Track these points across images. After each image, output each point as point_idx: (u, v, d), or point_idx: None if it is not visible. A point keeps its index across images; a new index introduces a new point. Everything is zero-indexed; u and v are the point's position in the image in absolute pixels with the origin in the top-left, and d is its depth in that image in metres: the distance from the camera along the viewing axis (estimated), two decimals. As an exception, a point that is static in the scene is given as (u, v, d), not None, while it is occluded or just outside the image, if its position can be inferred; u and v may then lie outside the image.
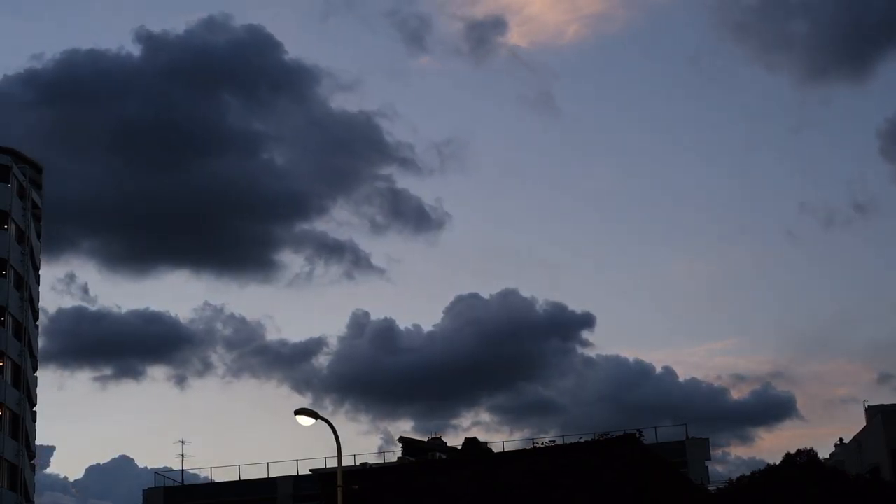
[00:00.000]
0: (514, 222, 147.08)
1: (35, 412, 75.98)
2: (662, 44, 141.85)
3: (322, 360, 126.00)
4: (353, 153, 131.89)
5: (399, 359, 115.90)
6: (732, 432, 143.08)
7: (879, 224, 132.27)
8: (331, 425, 30.48)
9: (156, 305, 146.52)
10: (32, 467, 74.72)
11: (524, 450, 44.62)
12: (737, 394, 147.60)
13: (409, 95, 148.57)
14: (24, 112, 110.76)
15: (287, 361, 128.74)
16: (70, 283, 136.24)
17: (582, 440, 43.36)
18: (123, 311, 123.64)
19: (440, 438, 63.14)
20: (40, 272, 78.93)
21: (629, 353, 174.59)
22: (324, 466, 65.16)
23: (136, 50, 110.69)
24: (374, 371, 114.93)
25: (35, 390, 75.80)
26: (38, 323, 77.53)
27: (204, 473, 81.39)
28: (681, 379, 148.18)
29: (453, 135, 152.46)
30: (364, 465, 59.62)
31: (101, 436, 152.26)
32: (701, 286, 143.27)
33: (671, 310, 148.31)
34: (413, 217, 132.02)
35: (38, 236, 78.44)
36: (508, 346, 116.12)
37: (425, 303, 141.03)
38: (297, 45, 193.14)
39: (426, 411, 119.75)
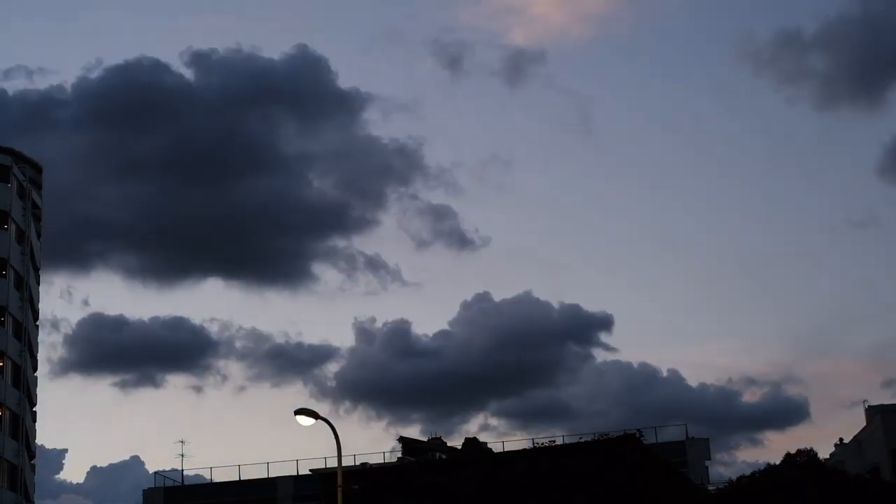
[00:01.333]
0: (551, 239, 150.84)
1: (35, 412, 75.99)
2: (687, 72, 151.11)
3: (338, 367, 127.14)
4: (395, 174, 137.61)
5: (416, 364, 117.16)
6: (743, 435, 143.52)
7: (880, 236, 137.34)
8: (331, 425, 30.47)
9: (190, 315, 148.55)
10: (32, 467, 74.72)
11: (524, 450, 44.63)
12: (749, 396, 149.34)
13: (450, 119, 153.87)
14: (74, 126, 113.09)
15: (307, 367, 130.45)
16: (108, 295, 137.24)
17: (582, 440, 43.38)
18: (149, 319, 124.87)
19: (440, 438, 63.06)
20: (40, 271, 79.01)
21: (639, 357, 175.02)
22: (324, 466, 65.14)
23: (187, 70, 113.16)
24: (387, 376, 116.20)
25: (35, 390, 75.81)
26: (38, 323, 77.54)
27: (204, 473, 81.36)
28: (694, 381, 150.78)
29: (491, 156, 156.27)
30: (364, 465, 59.54)
31: (115, 440, 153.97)
32: (717, 290, 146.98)
33: (687, 313, 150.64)
34: (453, 235, 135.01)
35: (38, 236, 78.44)
36: (530, 349, 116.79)
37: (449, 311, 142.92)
38: (346, 70, 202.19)
39: (444, 415, 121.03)
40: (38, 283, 78.20)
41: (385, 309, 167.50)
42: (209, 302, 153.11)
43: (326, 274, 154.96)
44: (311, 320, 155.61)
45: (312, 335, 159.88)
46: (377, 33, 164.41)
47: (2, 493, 66.81)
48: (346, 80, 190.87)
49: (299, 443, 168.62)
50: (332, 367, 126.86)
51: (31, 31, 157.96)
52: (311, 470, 65.21)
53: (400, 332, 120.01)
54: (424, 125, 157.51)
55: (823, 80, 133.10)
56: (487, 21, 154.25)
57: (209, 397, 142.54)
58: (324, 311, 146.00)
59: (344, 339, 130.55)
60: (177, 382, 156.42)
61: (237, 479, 76.39)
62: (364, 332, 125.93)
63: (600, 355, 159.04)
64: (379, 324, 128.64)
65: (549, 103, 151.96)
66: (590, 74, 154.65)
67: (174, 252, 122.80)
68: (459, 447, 59.80)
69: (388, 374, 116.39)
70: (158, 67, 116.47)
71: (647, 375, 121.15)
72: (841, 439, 76.08)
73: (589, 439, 43.20)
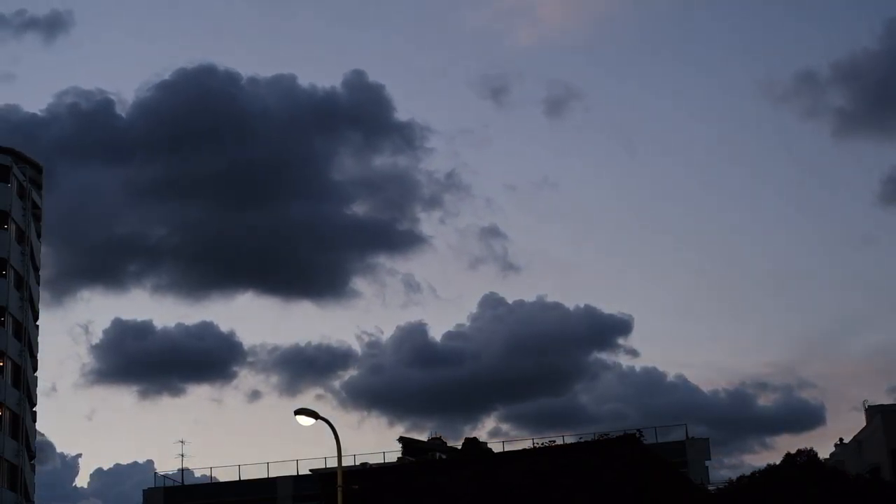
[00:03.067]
0: (586, 264, 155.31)
1: (35, 412, 75.99)
2: (713, 107, 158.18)
3: (357, 374, 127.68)
4: (439, 199, 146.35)
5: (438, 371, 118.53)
6: (757, 438, 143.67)
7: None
8: (331, 425, 30.45)
9: (220, 324, 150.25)
10: (32, 467, 74.72)
11: (524, 450, 44.60)
12: (763, 400, 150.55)
13: (493, 148, 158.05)
14: (132, 142, 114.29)
15: (325, 376, 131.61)
16: (140, 308, 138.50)
17: (582, 440, 43.38)
18: (175, 326, 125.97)
19: (440, 438, 63.03)
20: (39, 270, 79.04)
21: (654, 361, 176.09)
22: (324, 466, 65.13)
23: (240, 94, 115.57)
24: (406, 382, 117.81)
25: (35, 390, 75.80)
26: (38, 323, 77.53)
27: (205, 473, 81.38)
28: (709, 385, 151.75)
29: (532, 181, 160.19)
30: (364, 465, 59.53)
31: (130, 447, 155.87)
32: (735, 296, 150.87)
33: (700, 317, 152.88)
34: (498, 258, 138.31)
35: (38, 236, 78.44)
36: (545, 353, 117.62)
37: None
38: (402, 101, 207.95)
39: (457, 419, 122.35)
40: (38, 283, 78.18)
41: (407, 317, 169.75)
42: (239, 313, 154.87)
43: (361, 289, 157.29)
44: (337, 332, 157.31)
45: (336, 344, 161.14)
46: (425, 63, 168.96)
47: (2, 493, 66.80)
48: (400, 108, 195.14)
49: (301, 444, 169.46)
50: (355, 376, 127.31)
51: (90, 50, 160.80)
52: (311, 470, 65.23)
53: (416, 336, 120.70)
54: (467, 152, 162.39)
55: (837, 112, 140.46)
56: (530, 53, 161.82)
57: (229, 405, 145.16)
58: (350, 323, 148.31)
59: (364, 346, 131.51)
60: (199, 391, 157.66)
61: (237, 479, 76.45)
62: (382, 339, 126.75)
63: (616, 359, 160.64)
64: (396, 331, 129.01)
65: (590, 131, 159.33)
66: (627, 107, 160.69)
67: (212, 268, 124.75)
68: (459, 447, 59.80)
69: (405, 380, 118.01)
70: (210, 90, 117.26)
71: (660, 379, 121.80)
72: (841, 439, 76.07)
73: (589, 439, 43.22)
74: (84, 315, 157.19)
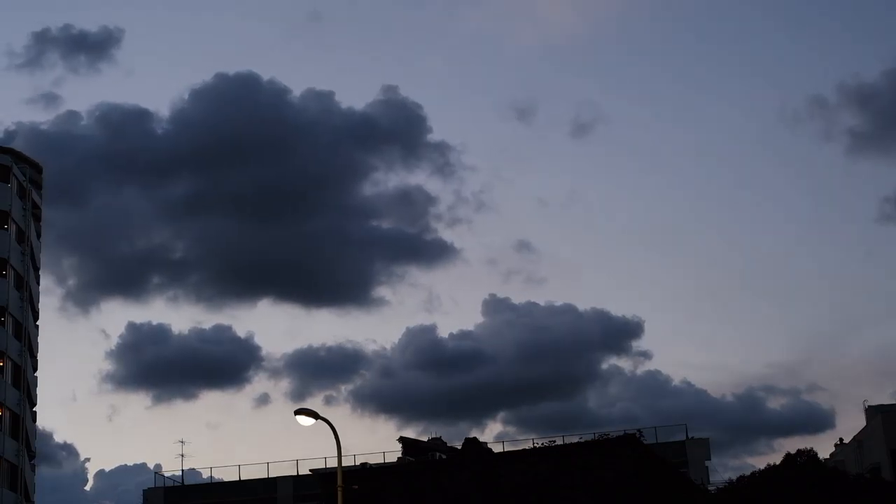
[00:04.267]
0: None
1: (35, 412, 75.97)
2: (732, 129, 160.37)
3: (377, 379, 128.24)
4: (473, 219, 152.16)
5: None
6: (766, 442, 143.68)
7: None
8: (330, 425, 30.44)
9: (238, 330, 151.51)
10: (32, 467, 74.69)
11: (524, 450, 44.61)
12: (773, 403, 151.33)
13: (521, 166, 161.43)
14: (176, 155, 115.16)
15: (336, 381, 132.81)
16: (161, 315, 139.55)
17: (582, 440, 43.34)
18: (190, 332, 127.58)
19: (440, 438, 62.94)
20: (40, 271, 78.98)
21: (663, 364, 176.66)
22: (324, 466, 65.12)
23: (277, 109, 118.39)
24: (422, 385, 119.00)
25: (35, 390, 75.77)
26: (38, 323, 77.50)
27: (204, 473, 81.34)
28: (719, 390, 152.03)
29: (559, 197, 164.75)
30: (364, 465, 59.48)
31: (142, 448, 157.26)
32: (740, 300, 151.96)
33: (706, 321, 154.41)
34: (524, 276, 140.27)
35: (38, 236, 78.43)
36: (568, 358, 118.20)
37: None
38: (436, 123, 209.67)
39: (469, 423, 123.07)
40: (38, 283, 78.16)
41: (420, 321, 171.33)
42: (257, 319, 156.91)
43: (386, 297, 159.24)
44: (352, 336, 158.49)
45: (349, 347, 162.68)
46: (454, 80, 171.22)
47: (2, 493, 66.78)
48: (435, 127, 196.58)
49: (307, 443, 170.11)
50: (373, 380, 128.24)
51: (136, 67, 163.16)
52: (311, 470, 65.22)
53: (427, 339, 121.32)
54: (490, 169, 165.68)
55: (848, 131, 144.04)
56: (553, 74, 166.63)
57: (240, 409, 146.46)
58: (367, 329, 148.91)
59: (377, 350, 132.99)
60: (211, 395, 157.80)
61: (237, 479, 76.45)
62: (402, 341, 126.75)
63: (625, 363, 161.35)
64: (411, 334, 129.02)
65: (612, 150, 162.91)
66: (646, 129, 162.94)
67: (233, 278, 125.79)
68: (459, 447, 59.69)
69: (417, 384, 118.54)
70: (243, 104, 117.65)
71: (666, 382, 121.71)
72: (841, 439, 76.08)
73: (589, 439, 43.19)
74: (106, 323, 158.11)
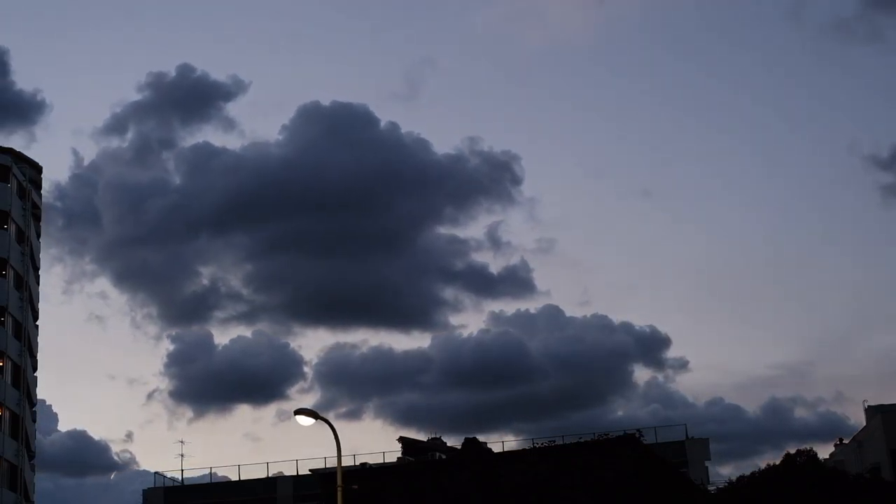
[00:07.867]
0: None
1: (35, 412, 75.98)
2: (738, 139, 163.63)
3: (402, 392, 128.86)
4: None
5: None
6: (779, 447, 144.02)
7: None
8: (330, 425, 30.44)
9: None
10: (32, 467, 74.71)
11: (524, 450, 44.60)
12: (799, 412, 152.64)
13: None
14: (230, 189, 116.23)
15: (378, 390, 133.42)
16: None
17: (582, 440, 43.30)
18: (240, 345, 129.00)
19: (440, 438, 62.94)
20: (40, 271, 78.98)
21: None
22: (324, 466, 65.11)
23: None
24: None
25: (35, 390, 75.80)
26: (37, 323, 77.52)
27: (204, 473, 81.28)
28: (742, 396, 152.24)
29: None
30: (364, 465, 59.51)
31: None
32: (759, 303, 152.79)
33: (720, 327, 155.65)
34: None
35: (38, 236, 78.46)
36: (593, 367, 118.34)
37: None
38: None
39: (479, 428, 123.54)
40: (38, 284, 78.17)
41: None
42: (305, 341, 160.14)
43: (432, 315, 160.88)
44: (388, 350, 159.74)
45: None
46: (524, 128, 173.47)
47: (2, 493, 66.79)
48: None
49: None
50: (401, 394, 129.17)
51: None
52: (311, 470, 65.22)
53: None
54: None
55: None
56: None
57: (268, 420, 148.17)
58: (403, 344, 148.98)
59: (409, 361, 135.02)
60: (244, 410, 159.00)
61: (237, 479, 76.42)
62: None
63: (644, 373, 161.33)
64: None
65: (627, 167, 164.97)
66: (658, 148, 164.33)
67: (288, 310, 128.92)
68: (459, 447, 59.67)
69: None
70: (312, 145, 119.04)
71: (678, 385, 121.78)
72: (841, 439, 76.00)
73: (589, 439, 43.15)
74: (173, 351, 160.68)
